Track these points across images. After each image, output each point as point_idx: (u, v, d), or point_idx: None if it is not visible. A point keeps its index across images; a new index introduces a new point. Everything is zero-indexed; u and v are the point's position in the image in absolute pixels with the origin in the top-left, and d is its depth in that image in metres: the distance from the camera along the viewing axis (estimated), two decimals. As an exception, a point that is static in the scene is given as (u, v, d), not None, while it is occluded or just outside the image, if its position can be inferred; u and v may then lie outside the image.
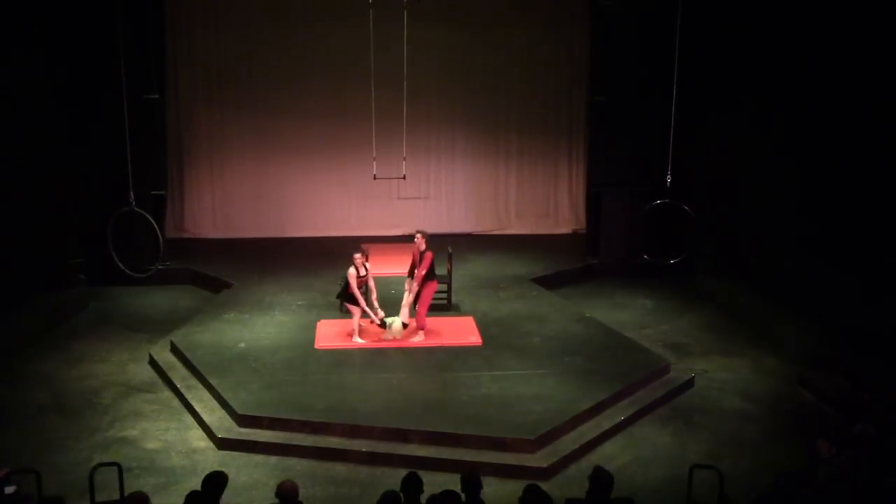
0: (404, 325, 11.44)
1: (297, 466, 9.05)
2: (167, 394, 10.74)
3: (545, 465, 8.91)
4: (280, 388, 10.28)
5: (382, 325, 11.40)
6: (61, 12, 13.40)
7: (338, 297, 11.90)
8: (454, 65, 16.67)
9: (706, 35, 13.79)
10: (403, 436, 9.34)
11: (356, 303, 11.40)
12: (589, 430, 9.60)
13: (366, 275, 11.30)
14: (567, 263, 15.49)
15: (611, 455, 9.31)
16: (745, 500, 7.79)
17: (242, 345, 11.54)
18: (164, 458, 9.24)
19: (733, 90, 14.21)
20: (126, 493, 7.35)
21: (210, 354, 11.20)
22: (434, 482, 7.38)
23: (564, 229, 17.56)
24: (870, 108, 12.13)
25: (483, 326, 12.11)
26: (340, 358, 11.12)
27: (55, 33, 13.37)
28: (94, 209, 13.73)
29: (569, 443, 9.33)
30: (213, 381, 10.40)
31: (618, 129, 14.70)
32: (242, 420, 9.66)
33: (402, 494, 6.39)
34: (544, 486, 7.00)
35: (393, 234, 16.55)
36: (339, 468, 9.06)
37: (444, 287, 12.71)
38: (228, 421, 9.77)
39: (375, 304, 11.42)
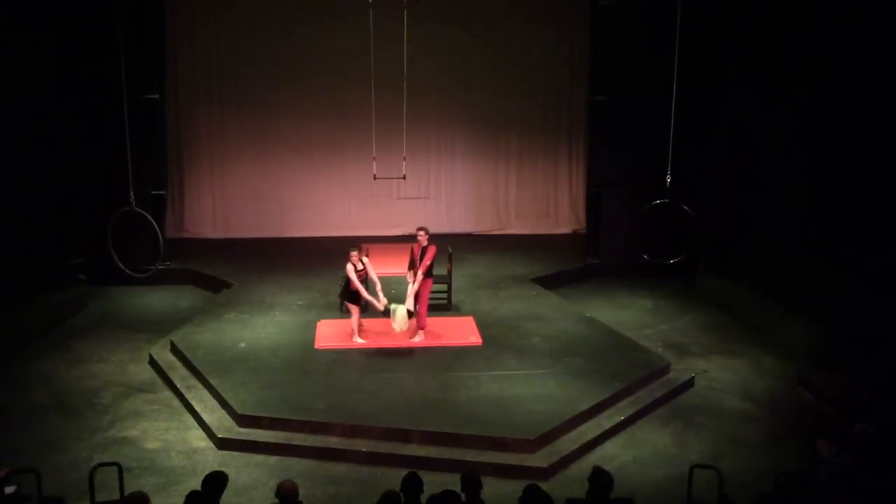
0: (410, 314, 11.32)
1: (297, 466, 9.05)
2: (167, 394, 10.74)
3: (545, 465, 8.91)
4: (280, 388, 10.28)
5: (386, 312, 11.31)
6: (61, 13, 13.39)
7: (340, 295, 11.90)
8: (454, 65, 16.67)
9: (706, 34, 13.79)
10: (403, 436, 9.34)
11: (357, 302, 11.40)
12: (589, 430, 9.61)
13: (364, 269, 11.28)
14: (567, 263, 15.48)
15: (611, 455, 9.32)
16: (745, 500, 7.79)
17: (242, 345, 11.55)
18: (164, 458, 9.25)
19: (733, 90, 14.20)
20: (126, 493, 7.35)
21: (210, 354, 11.20)
22: (434, 482, 7.39)
23: (564, 229, 17.56)
24: (872, 108, 12.12)
25: (483, 326, 12.11)
26: (340, 358, 11.12)
27: (55, 33, 13.36)
28: (94, 209, 13.74)
29: (569, 443, 9.33)
30: (213, 381, 10.40)
31: (618, 129, 14.69)
32: (242, 420, 9.66)
33: (402, 494, 6.40)
34: (544, 486, 7.01)
35: (393, 234, 16.54)
36: (339, 468, 9.07)
37: (444, 287, 12.71)
38: (228, 421, 9.77)
39: (379, 293, 11.37)
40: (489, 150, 17.39)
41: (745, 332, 12.90)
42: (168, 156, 15.58)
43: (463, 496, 6.47)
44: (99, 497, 7.65)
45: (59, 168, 13.58)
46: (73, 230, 14.00)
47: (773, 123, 13.91)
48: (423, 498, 6.52)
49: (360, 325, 11.61)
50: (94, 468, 7.81)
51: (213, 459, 9.18)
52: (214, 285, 14.53)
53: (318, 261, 14.95)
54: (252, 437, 9.45)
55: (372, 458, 9.13)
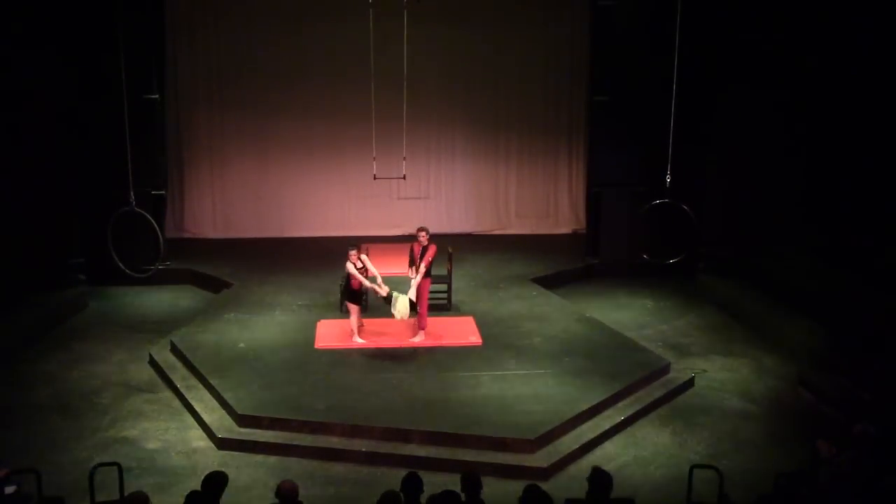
0: (412, 304, 11.22)
1: (296, 466, 9.05)
2: (167, 394, 10.74)
3: (545, 465, 8.91)
4: (280, 388, 10.28)
5: (388, 299, 11.24)
6: (61, 13, 13.39)
7: (341, 294, 11.88)
8: (454, 65, 16.66)
9: (706, 35, 13.79)
10: (403, 436, 9.34)
11: (357, 301, 11.41)
12: (589, 430, 9.61)
13: (363, 267, 11.28)
14: (567, 263, 15.48)
15: (611, 455, 9.32)
16: (745, 500, 7.79)
17: (242, 345, 11.54)
18: (164, 458, 9.25)
19: (733, 90, 14.20)
20: (126, 493, 7.35)
21: (210, 354, 11.20)
22: (434, 482, 7.38)
23: (564, 229, 17.55)
24: (872, 108, 12.13)
25: (483, 326, 12.11)
26: (340, 358, 11.12)
27: (55, 34, 13.36)
28: (94, 209, 13.73)
29: (569, 443, 9.34)
30: (213, 381, 10.40)
31: (618, 129, 14.69)
32: (242, 420, 9.66)
33: (402, 494, 6.39)
34: (544, 486, 7.00)
35: (393, 234, 16.53)
36: (339, 468, 9.07)
37: (444, 287, 12.71)
38: (228, 421, 9.77)
39: (379, 280, 11.35)
40: (489, 150, 17.38)
41: (745, 332, 12.90)
42: (168, 156, 15.57)
43: (463, 496, 6.47)
44: (99, 497, 7.64)
45: (59, 168, 13.58)
46: (73, 230, 14.00)
47: (773, 123, 13.92)
48: (423, 498, 6.51)
49: (360, 325, 11.61)
50: (94, 468, 7.81)
51: (213, 459, 9.18)
52: (214, 285, 14.53)
53: (318, 261, 14.94)
54: (252, 437, 9.46)
55: (372, 458, 9.13)
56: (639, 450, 9.49)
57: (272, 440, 9.41)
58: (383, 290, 11.20)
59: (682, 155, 12.46)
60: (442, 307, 12.67)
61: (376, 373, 10.70)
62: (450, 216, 17.43)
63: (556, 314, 12.81)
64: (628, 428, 9.90)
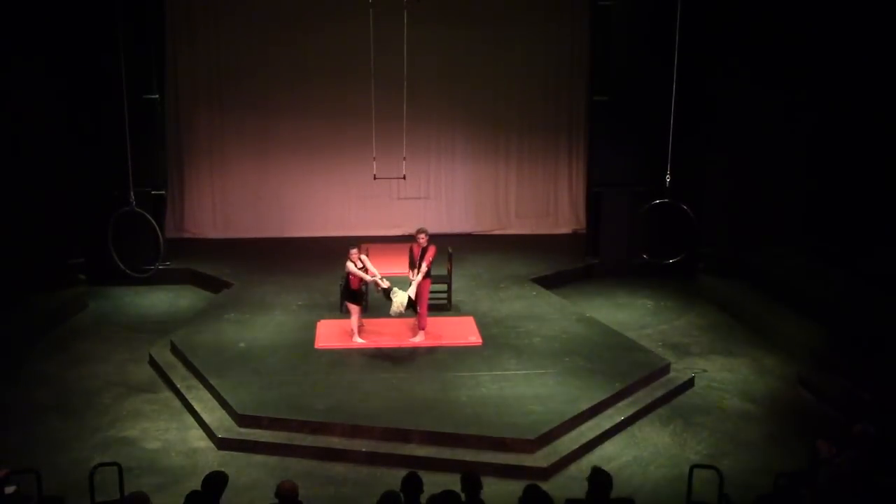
0: (410, 301, 11.17)
1: (296, 466, 9.05)
2: (167, 394, 10.74)
3: (545, 465, 8.91)
4: (280, 388, 10.28)
5: (388, 293, 11.21)
6: (61, 13, 13.39)
7: (341, 294, 11.87)
8: (454, 65, 16.65)
9: (706, 35, 13.79)
10: (403, 436, 9.35)
11: (357, 301, 11.41)
12: (589, 430, 9.61)
13: (363, 266, 11.28)
14: (567, 263, 15.48)
15: (611, 455, 9.32)
16: (745, 500, 7.79)
17: (242, 345, 11.54)
18: (164, 458, 9.25)
19: (733, 90, 14.20)
20: (126, 493, 7.35)
21: (210, 354, 11.20)
22: (434, 482, 7.38)
23: (564, 229, 17.55)
24: (873, 108, 12.14)
25: (483, 326, 12.11)
26: (340, 358, 11.12)
27: (55, 34, 13.35)
28: (94, 209, 13.72)
29: (569, 443, 9.34)
30: (213, 381, 10.40)
31: (618, 129, 14.69)
32: (242, 420, 9.66)
33: (402, 494, 6.39)
34: (544, 486, 7.00)
35: (393, 234, 16.53)
36: (339, 468, 9.07)
37: (444, 287, 12.71)
38: (228, 421, 9.77)
39: (379, 277, 11.36)
40: (489, 150, 17.38)
41: (745, 332, 12.90)
42: (168, 156, 15.56)
43: (463, 496, 6.47)
44: (99, 497, 7.64)
45: (59, 168, 13.57)
46: (73, 230, 13.99)
47: (773, 123, 13.92)
48: (423, 498, 6.51)
49: (360, 325, 11.61)
50: (94, 468, 7.80)
51: (213, 459, 9.18)
52: (214, 285, 14.52)
53: (318, 261, 14.94)
54: (252, 437, 9.46)
55: (372, 458, 9.13)
56: (639, 450, 9.49)
57: (272, 440, 9.41)
58: (384, 283, 11.20)
59: (682, 155, 12.47)
60: (442, 307, 12.67)
61: (376, 373, 10.70)
62: (450, 216, 17.42)
63: (556, 314, 12.81)
64: (628, 428, 9.90)
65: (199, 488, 6.56)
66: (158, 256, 13.34)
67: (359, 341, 11.44)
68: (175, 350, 11.52)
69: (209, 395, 10.34)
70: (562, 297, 13.80)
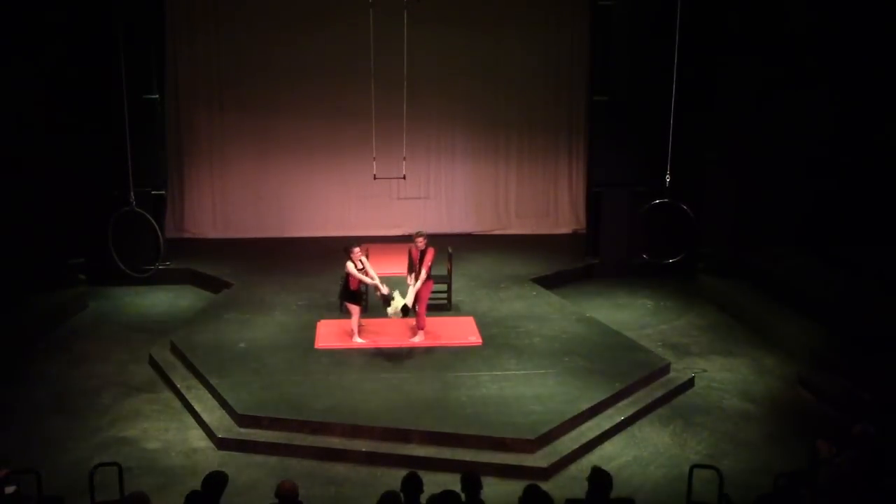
0: (406, 309, 11.18)
1: (296, 466, 9.05)
2: (167, 394, 10.74)
3: (545, 465, 8.91)
4: (280, 388, 10.28)
5: (387, 301, 11.21)
6: (61, 13, 13.39)
7: (339, 297, 11.88)
8: (454, 64, 16.64)
9: (706, 35, 13.80)
10: (403, 436, 9.34)
11: (357, 302, 11.41)
12: (589, 430, 9.61)
13: (363, 268, 11.28)
14: (567, 263, 15.47)
15: (611, 455, 9.32)
16: (745, 500, 7.79)
17: (242, 345, 11.54)
18: (164, 458, 9.25)
19: (733, 90, 14.21)
20: (126, 493, 7.35)
21: (210, 354, 11.19)
22: (434, 482, 7.38)
23: (564, 229, 17.55)
24: (872, 109, 12.15)
25: (483, 326, 12.11)
26: (340, 358, 11.12)
27: (55, 33, 13.36)
28: (94, 209, 13.73)
29: (569, 443, 9.34)
30: (213, 381, 10.40)
31: (618, 129, 14.69)
32: (242, 420, 9.66)
33: (402, 494, 6.39)
34: (544, 486, 7.00)
35: (393, 234, 16.53)
36: (339, 468, 9.07)
37: (444, 287, 12.71)
38: (228, 421, 9.77)
39: (377, 281, 11.35)
40: (489, 149, 17.37)
41: (745, 332, 12.90)
42: (168, 156, 15.56)
43: (463, 496, 6.47)
44: (99, 497, 7.64)
45: (59, 168, 13.57)
46: (73, 230, 13.99)
47: (773, 123, 13.92)
48: (423, 498, 6.51)
49: (360, 326, 11.61)
50: (94, 468, 7.81)
51: (213, 459, 9.18)
52: (214, 285, 14.52)
53: (318, 261, 14.94)
54: (252, 437, 9.46)
55: (372, 458, 9.13)
56: (639, 450, 9.49)
57: (272, 440, 9.41)
58: (384, 289, 11.20)
59: (682, 155, 12.47)
60: (442, 307, 12.67)
61: (376, 373, 10.70)
62: (450, 216, 17.42)
63: (556, 314, 12.81)
64: (628, 428, 9.90)
65: (199, 488, 6.56)
66: (158, 256, 13.35)
67: (359, 341, 11.44)
68: (175, 350, 11.52)
69: (209, 395, 10.34)
70: (562, 297, 13.80)
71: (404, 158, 13.98)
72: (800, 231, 13.79)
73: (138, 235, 13.19)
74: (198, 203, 17.03)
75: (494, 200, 17.58)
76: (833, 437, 7.48)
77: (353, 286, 11.29)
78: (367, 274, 11.24)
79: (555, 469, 8.94)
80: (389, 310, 11.16)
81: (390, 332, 11.79)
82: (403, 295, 11.20)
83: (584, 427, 9.64)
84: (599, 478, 6.61)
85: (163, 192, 14.78)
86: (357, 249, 11.21)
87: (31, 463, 8.13)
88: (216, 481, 6.57)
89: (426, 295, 11.59)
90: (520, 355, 11.20)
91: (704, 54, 13.90)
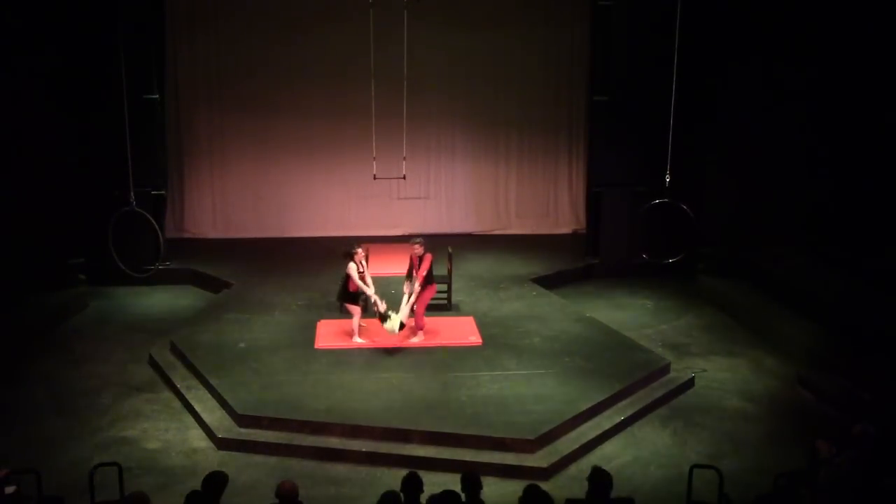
0: (401, 325, 11.37)
1: (296, 466, 9.05)
2: (167, 394, 10.74)
3: (545, 465, 8.91)
4: (280, 388, 10.28)
5: (383, 318, 11.30)
6: (62, 13, 13.39)
7: (337, 298, 11.88)
8: (454, 64, 16.64)
9: (706, 35, 13.80)
10: (403, 436, 9.34)
11: (356, 302, 11.41)
12: (589, 430, 9.61)
13: (363, 271, 11.30)
14: (567, 263, 15.47)
15: (611, 455, 9.32)
16: (745, 500, 7.79)
17: (242, 345, 11.54)
18: (164, 458, 9.25)
19: (733, 90, 14.21)
20: (126, 493, 7.35)
21: (210, 354, 11.19)
22: (434, 482, 7.38)
23: (564, 229, 17.54)
24: (873, 108, 12.14)
25: (483, 326, 12.11)
26: (340, 358, 11.12)
27: (56, 33, 13.37)
28: (94, 209, 13.73)
29: (569, 443, 9.34)
30: (213, 381, 10.40)
31: (618, 129, 14.68)
32: (242, 420, 9.66)
33: (402, 494, 6.40)
34: (544, 486, 7.00)
35: (393, 234, 16.53)
36: (339, 468, 9.07)
37: (444, 287, 12.70)
38: (228, 421, 9.77)
39: (372, 290, 11.39)
40: (489, 149, 17.37)
41: (745, 332, 12.90)
42: (168, 156, 15.55)
43: (463, 496, 6.47)
44: (99, 497, 7.64)
45: (59, 168, 13.57)
46: (73, 230, 14.00)
47: (773, 123, 13.92)
48: (423, 498, 6.52)
49: (360, 326, 11.60)
50: (94, 468, 7.81)
51: (213, 459, 9.18)
52: (214, 285, 14.52)
53: (318, 261, 14.92)
54: (252, 437, 9.46)
55: (372, 458, 9.13)
56: (639, 450, 9.49)
57: (272, 440, 9.41)
58: (382, 306, 11.26)
59: (682, 155, 12.46)
60: (442, 307, 12.67)
61: (376, 373, 10.69)
62: (450, 216, 17.42)
63: (556, 314, 12.81)
64: (628, 428, 9.90)
65: (199, 488, 6.57)
66: (158, 256, 13.35)
67: (359, 341, 11.44)
68: (175, 350, 11.52)
69: (209, 395, 10.34)
70: (562, 297, 13.80)
71: (404, 158, 13.97)
72: (800, 231, 13.79)
73: (138, 235, 13.18)
74: (198, 203, 17.02)
75: (494, 200, 17.57)
76: (833, 437, 7.48)
77: (351, 288, 11.29)
78: (365, 280, 11.27)
79: (555, 469, 8.94)
80: (386, 326, 11.28)
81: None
82: (398, 309, 11.26)
83: (584, 427, 9.64)
84: (599, 478, 6.61)
85: (163, 192, 14.77)
86: (360, 251, 11.22)
87: (31, 463, 8.12)
88: (216, 481, 6.58)
89: (427, 298, 11.58)
90: (520, 355, 11.20)
91: (704, 54, 13.89)
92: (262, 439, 9.42)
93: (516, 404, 9.84)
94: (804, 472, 7.49)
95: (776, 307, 13.03)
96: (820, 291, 12.49)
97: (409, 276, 11.56)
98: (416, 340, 11.52)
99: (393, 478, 7.95)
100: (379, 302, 11.27)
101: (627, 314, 13.53)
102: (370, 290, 11.28)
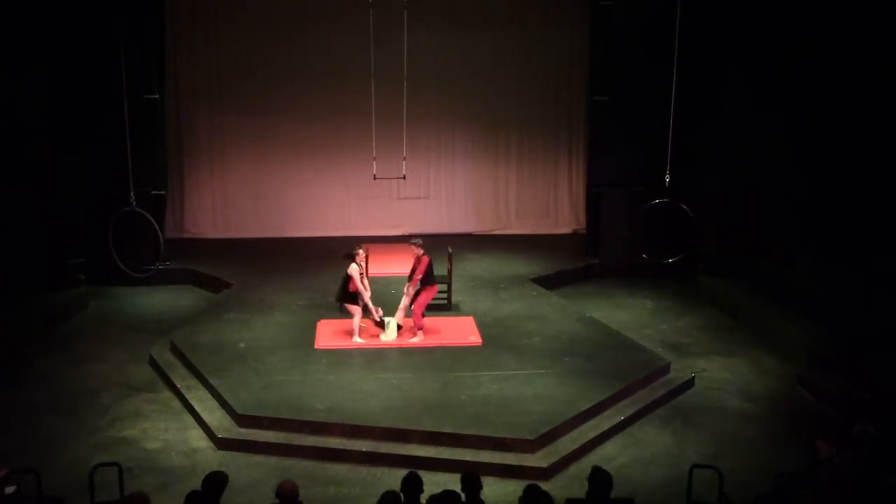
0: (399, 327, 11.42)
1: (297, 466, 9.05)
2: (167, 394, 10.74)
3: (545, 465, 8.91)
4: (280, 388, 10.28)
5: (380, 324, 11.38)
6: (62, 13, 13.38)
7: (337, 298, 11.87)
8: (454, 64, 16.64)
9: (706, 35, 13.79)
10: (403, 436, 9.34)
11: (356, 302, 11.41)
12: (589, 430, 9.61)
13: (362, 273, 11.31)
14: (567, 263, 15.48)
15: (611, 455, 9.32)
16: (745, 500, 7.79)
17: (242, 345, 11.54)
18: (164, 458, 9.25)
19: (733, 90, 14.20)
20: (126, 493, 7.35)
21: (210, 354, 11.19)
22: (434, 482, 7.39)
23: (564, 229, 17.55)
24: (870, 109, 12.13)
25: (483, 326, 12.11)
26: (340, 358, 11.12)
27: (56, 34, 13.36)
28: (94, 209, 13.73)
29: (569, 443, 9.33)
30: (213, 381, 10.40)
31: (618, 129, 14.69)
32: (242, 420, 9.66)
33: (402, 494, 6.40)
34: (544, 486, 7.00)
35: (393, 234, 16.53)
36: (339, 468, 9.06)
37: (444, 287, 12.70)
38: (228, 421, 9.77)
39: (369, 294, 11.43)
40: (489, 149, 17.38)
41: (745, 332, 12.90)
42: (168, 156, 15.55)
43: (463, 496, 6.47)
44: (99, 497, 7.65)
45: (59, 168, 13.57)
46: (73, 230, 13.99)
47: (772, 123, 13.92)
48: (423, 498, 6.52)
49: (360, 326, 11.61)
50: (94, 468, 7.81)
51: (213, 459, 9.18)
52: (214, 285, 14.52)
53: (318, 261, 14.92)
54: (252, 437, 9.46)
55: (372, 458, 9.13)
56: (639, 450, 9.49)
57: (272, 440, 9.41)
58: (377, 315, 11.33)
59: (682, 155, 12.46)
60: (442, 307, 12.67)
61: (376, 373, 10.70)
62: (450, 216, 17.43)
63: (556, 314, 12.81)
64: (628, 428, 9.90)
65: (199, 488, 6.56)
66: (158, 256, 13.34)
67: (359, 341, 11.44)
68: (175, 350, 11.52)
69: (209, 395, 10.34)
70: (562, 297, 13.80)
71: (404, 158, 13.97)
72: (799, 231, 13.78)
73: (138, 235, 13.17)
74: (198, 203, 17.03)
75: (494, 200, 17.58)
76: (833, 437, 7.48)
77: (351, 289, 11.30)
78: (363, 283, 11.29)
79: (555, 469, 8.94)
80: (383, 336, 11.38)
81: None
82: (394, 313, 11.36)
83: (584, 427, 9.64)
84: (599, 478, 6.61)
85: (163, 192, 14.78)
86: (360, 252, 11.24)
87: (31, 463, 8.12)
88: (216, 481, 6.57)
89: (426, 299, 11.58)
90: (520, 355, 11.20)
91: (704, 54, 13.89)
92: (262, 439, 9.42)
93: (516, 404, 9.84)
94: (804, 472, 7.49)
95: (776, 307, 13.03)
96: (820, 291, 12.49)
97: (411, 278, 11.59)
98: (416, 340, 11.52)
99: (393, 478, 7.95)
100: (374, 311, 11.32)
101: (627, 314, 13.53)
102: (367, 295, 11.30)
